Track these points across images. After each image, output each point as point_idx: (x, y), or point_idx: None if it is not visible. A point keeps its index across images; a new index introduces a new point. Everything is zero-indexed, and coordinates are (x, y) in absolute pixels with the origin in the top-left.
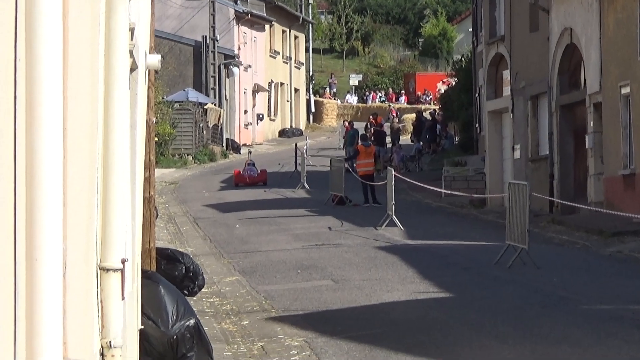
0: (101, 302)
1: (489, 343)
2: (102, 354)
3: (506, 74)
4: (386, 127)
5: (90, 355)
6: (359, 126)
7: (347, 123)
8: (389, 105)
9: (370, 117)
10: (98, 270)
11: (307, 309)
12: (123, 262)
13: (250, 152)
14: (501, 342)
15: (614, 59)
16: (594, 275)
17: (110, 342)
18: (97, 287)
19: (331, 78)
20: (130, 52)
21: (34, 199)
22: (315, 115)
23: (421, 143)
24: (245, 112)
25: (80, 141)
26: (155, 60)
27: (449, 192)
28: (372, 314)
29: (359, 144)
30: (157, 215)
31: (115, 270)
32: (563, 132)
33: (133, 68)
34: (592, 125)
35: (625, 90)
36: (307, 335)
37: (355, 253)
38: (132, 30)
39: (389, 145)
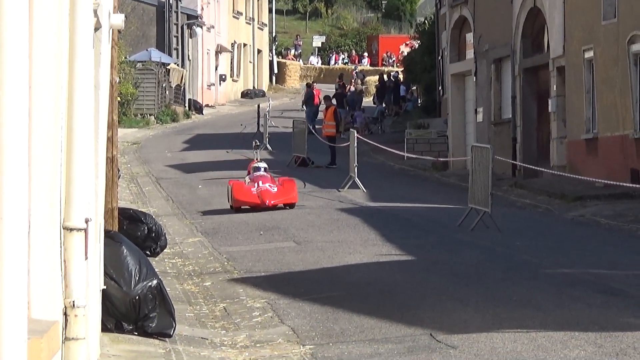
0: (64, 261)
1: (452, 306)
2: (65, 314)
3: (469, 37)
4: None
5: (53, 315)
6: (322, 88)
7: (315, 87)
8: (354, 68)
9: (338, 79)
10: (62, 229)
11: (270, 271)
12: (86, 221)
13: (259, 146)
14: (464, 305)
15: (577, 23)
16: (556, 239)
17: (73, 301)
18: (61, 247)
19: (297, 39)
20: (94, 12)
21: None
22: (278, 76)
23: (384, 105)
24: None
25: (45, 100)
26: (118, 19)
27: (411, 154)
28: (335, 276)
29: (327, 106)
30: (120, 175)
31: (78, 229)
32: (526, 96)
33: (97, 27)
34: (555, 89)
35: (589, 54)
36: (269, 296)
37: (317, 215)
38: None
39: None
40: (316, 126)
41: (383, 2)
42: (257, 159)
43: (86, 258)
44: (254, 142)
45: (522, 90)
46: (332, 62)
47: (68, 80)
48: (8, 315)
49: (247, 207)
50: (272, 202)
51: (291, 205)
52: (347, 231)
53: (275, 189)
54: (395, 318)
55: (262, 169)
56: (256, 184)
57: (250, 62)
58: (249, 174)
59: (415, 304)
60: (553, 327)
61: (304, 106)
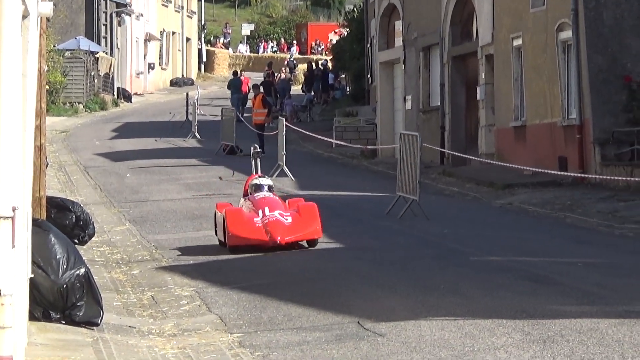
0: None
1: (380, 294)
2: None
3: (398, 25)
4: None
5: None
6: (251, 76)
7: (244, 75)
8: (290, 56)
9: (267, 67)
10: None
11: (198, 259)
12: (14, 209)
13: (259, 153)
14: (392, 292)
15: (506, 11)
16: (484, 227)
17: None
18: None
19: (226, 28)
20: (22, 3)
21: None
22: (207, 64)
23: (312, 93)
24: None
25: None
26: (47, 7)
27: (340, 142)
28: (263, 264)
29: (256, 94)
30: (48, 163)
31: (5, 218)
32: (454, 84)
33: (25, 15)
34: (483, 76)
35: (517, 42)
36: (197, 285)
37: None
38: None
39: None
40: (245, 114)
41: None
42: (257, 173)
43: (13, 246)
44: (252, 149)
45: (450, 78)
46: (261, 50)
47: None
48: None
49: (251, 244)
50: (285, 239)
51: (312, 243)
52: None
53: (290, 220)
54: (323, 306)
55: (266, 188)
56: (261, 212)
57: (179, 50)
58: (245, 195)
59: (343, 291)
60: (481, 314)
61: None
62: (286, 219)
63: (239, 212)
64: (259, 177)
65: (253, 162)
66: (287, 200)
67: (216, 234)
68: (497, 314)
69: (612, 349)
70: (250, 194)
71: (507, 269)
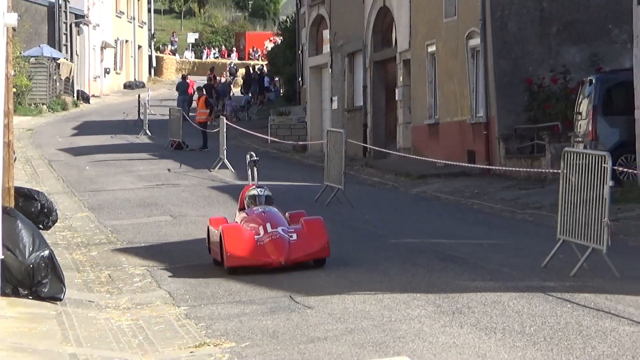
0: None
1: (309, 272)
2: None
3: (326, 34)
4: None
5: None
6: (196, 79)
7: (189, 78)
8: (230, 62)
9: (209, 72)
10: None
11: (149, 242)
12: None
13: (256, 161)
14: (320, 271)
15: (421, 21)
16: (402, 212)
17: None
18: None
19: (173, 36)
20: None
21: None
22: (156, 69)
23: (250, 95)
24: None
25: None
26: (12, 19)
27: (274, 138)
28: (206, 246)
29: (200, 96)
30: (15, 158)
31: None
32: (376, 86)
33: None
34: (401, 79)
35: (432, 49)
36: (149, 264)
37: (191, 192)
38: None
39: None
40: (190, 114)
41: (250, 2)
42: (254, 183)
43: None
44: (248, 156)
45: (372, 80)
46: (205, 56)
47: None
48: None
49: (255, 265)
50: (291, 259)
51: (320, 262)
52: (217, 206)
53: (295, 237)
54: (260, 283)
55: (264, 199)
56: (262, 229)
57: (131, 56)
58: (242, 208)
59: (277, 270)
60: (398, 289)
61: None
62: (291, 236)
63: (238, 230)
64: (256, 187)
65: (249, 171)
66: (287, 214)
67: (209, 252)
68: (413, 289)
69: (513, 318)
70: (248, 206)
71: (422, 249)
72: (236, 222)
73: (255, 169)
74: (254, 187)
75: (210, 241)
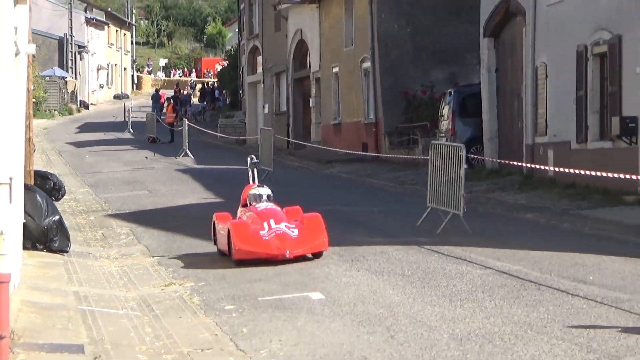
0: None
1: None
2: None
3: (259, 59)
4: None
5: None
6: (166, 92)
7: (161, 91)
8: (191, 80)
9: (175, 86)
10: None
11: (132, 209)
12: (10, 178)
13: (256, 164)
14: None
15: (327, 49)
16: (316, 187)
17: (1, 231)
18: None
19: (148, 61)
20: (15, 43)
21: None
22: (137, 85)
23: (205, 103)
24: (101, 87)
25: None
26: (32, 48)
27: (223, 135)
28: (174, 212)
29: (169, 104)
30: (34, 149)
31: (4, 184)
32: (295, 96)
33: (17, 53)
34: (314, 91)
35: (335, 70)
36: (131, 225)
37: (162, 173)
38: (15, 28)
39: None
40: (162, 117)
41: (204, 36)
42: (255, 182)
43: (10, 202)
44: (249, 159)
45: (293, 92)
46: (172, 75)
47: None
48: None
49: (257, 257)
50: (294, 252)
51: (318, 255)
52: (181, 184)
53: (297, 232)
54: (210, 239)
55: (265, 197)
56: (266, 225)
57: (119, 75)
58: (244, 205)
59: None
60: (332, 241)
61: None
62: (292, 232)
63: (245, 226)
64: (258, 186)
65: (250, 173)
66: (284, 209)
67: (215, 243)
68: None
69: (395, 264)
70: (250, 204)
71: (332, 214)
72: (240, 217)
73: (255, 170)
74: (255, 186)
75: (216, 234)
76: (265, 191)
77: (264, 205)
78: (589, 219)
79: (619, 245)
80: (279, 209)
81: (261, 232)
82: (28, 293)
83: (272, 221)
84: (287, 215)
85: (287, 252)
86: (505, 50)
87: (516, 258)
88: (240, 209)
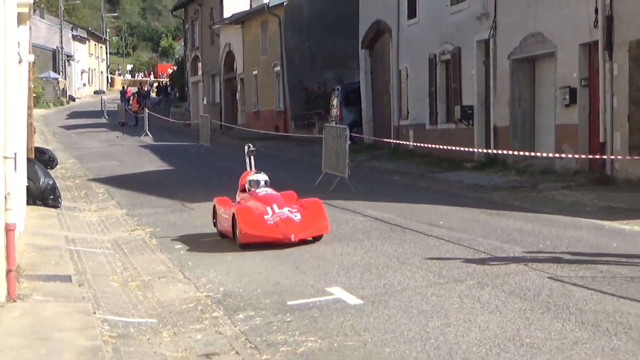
0: (4, 174)
1: (192, 191)
2: (5, 197)
3: (200, 65)
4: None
5: (2, 198)
6: (132, 89)
7: (128, 88)
8: (149, 80)
9: (139, 85)
10: (3, 158)
11: (107, 175)
12: (15, 153)
13: (253, 151)
14: (197, 191)
15: (249, 57)
16: (240, 160)
17: (9, 192)
18: (3, 170)
19: (118, 67)
20: (19, 53)
21: None
22: (111, 83)
23: (160, 96)
24: (84, 86)
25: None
26: (31, 57)
27: (174, 120)
28: (138, 177)
29: (133, 97)
30: (35, 131)
31: (9, 157)
32: (226, 91)
33: (20, 61)
34: (239, 88)
35: (255, 72)
36: (106, 187)
37: (129, 149)
38: (19, 43)
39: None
40: (128, 107)
41: (159, 48)
42: (252, 169)
43: (15, 170)
44: (246, 147)
45: (224, 89)
46: (136, 76)
47: (4, 86)
48: None
49: (261, 240)
50: (298, 236)
51: (318, 238)
52: (143, 156)
53: (299, 216)
54: (166, 196)
55: (263, 183)
56: (270, 210)
57: (97, 77)
58: (243, 190)
59: (175, 190)
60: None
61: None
62: (295, 216)
63: (250, 210)
64: (255, 173)
65: (247, 160)
66: (280, 193)
67: (215, 226)
68: (403, 215)
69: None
70: (249, 189)
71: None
72: (240, 202)
73: (252, 157)
74: (254, 172)
75: (217, 218)
76: (263, 177)
77: (264, 190)
78: (439, 180)
79: (461, 198)
80: (277, 194)
81: (265, 217)
82: (30, 237)
83: (275, 206)
84: (285, 200)
85: (292, 235)
86: (377, 58)
87: (387, 209)
88: (239, 194)
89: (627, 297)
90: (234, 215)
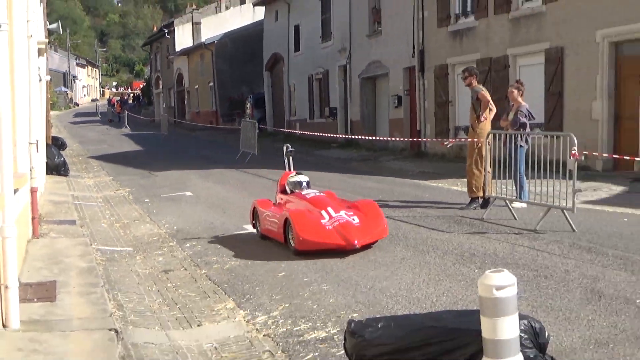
0: (30, 154)
1: (156, 162)
2: (30, 170)
3: (160, 82)
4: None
5: (26, 170)
6: (116, 98)
7: (113, 97)
8: (128, 92)
9: (121, 95)
10: (28, 144)
11: (100, 154)
12: (37, 140)
13: (291, 152)
14: (159, 162)
15: (193, 77)
16: (189, 144)
17: (33, 166)
18: (29, 151)
19: (107, 84)
20: (39, 75)
21: None
22: (102, 94)
23: (135, 103)
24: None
25: (23, 105)
26: (48, 78)
27: (147, 118)
28: (121, 155)
29: (117, 103)
30: (51, 126)
31: (33, 143)
32: (177, 99)
33: (40, 80)
34: (187, 96)
35: (196, 87)
36: (99, 162)
37: (115, 137)
38: (39, 68)
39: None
40: (113, 109)
41: (134, 71)
42: (291, 169)
43: (37, 152)
44: (285, 148)
45: (176, 97)
46: (119, 90)
47: (29, 97)
48: (7, 170)
49: (312, 248)
50: (361, 242)
51: (367, 245)
52: (123, 141)
53: (357, 220)
54: (139, 167)
55: (305, 184)
56: (325, 213)
57: (93, 90)
58: (283, 191)
59: (145, 163)
60: (185, 169)
61: (108, 103)
62: (353, 219)
63: (305, 214)
64: (297, 174)
65: (286, 160)
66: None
67: (254, 227)
68: (191, 168)
69: (229, 177)
70: (291, 191)
71: (195, 156)
72: (282, 203)
73: (290, 158)
74: (294, 174)
75: (259, 220)
76: (304, 178)
77: (311, 192)
78: (316, 155)
79: (330, 166)
80: (325, 195)
81: (322, 221)
82: (48, 196)
83: (330, 209)
84: (336, 202)
85: (356, 241)
86: (275, 77)
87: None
88: (279, 195)
89: (435, 229)
90: (286, 219)
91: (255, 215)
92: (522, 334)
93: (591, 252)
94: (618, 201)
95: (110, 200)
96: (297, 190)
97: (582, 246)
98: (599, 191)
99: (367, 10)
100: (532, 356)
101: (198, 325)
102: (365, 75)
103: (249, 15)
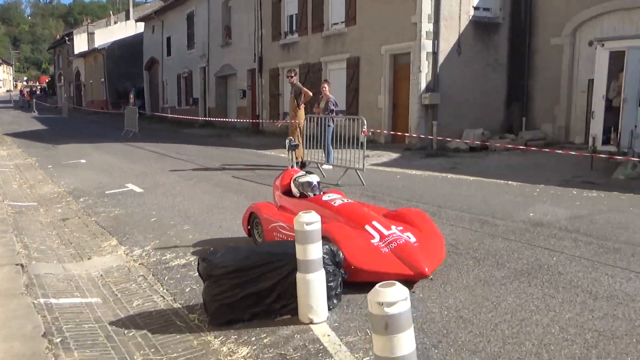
0: None
1: (58, 138)
2: None
3: (62, 77)
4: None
5: None
6: (26, 89)
7: (24, 89)
8: (35, 85)
9: (30, 88)
10: None
11: (13, 132)
12: None
13: (294, 146)
14: (60, 138)
15: (88, 73)
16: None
17: None
18: None
19: (19, 78)
20: None
21: None
22: (15, 86)
23: (42, 93)
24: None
25: None
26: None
27: (49, 105)
28: (29, 132)
29: (27, 93)
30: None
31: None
32: (76, 91)
33: None
34: (83, 89)
35: (91, 81)
36: (12, 138)
37: (24, 119)
38: None
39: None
40: (24, 98)
41: (42, 68)
42: (295, 166)
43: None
44: (287, 140)
45: (74, 89)
46: (29, 83)
47: None
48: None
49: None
50: (431, 269)
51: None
52: (31, 122)
53: (414, 239)
54: (44, 142)
55: (316, 183)
56: (373, 231)
57: (8, 83)
58: (285, 192)
59: (49, 138)
60: (89, 142)
61: (19, 93)
62: (409, 238)
63: (351, 235)
64: (307, 173)
65: (289, 155)
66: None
67: (249, 235)
68: (85, 142)
69: (113, 149)
70: (302, 194)
71: (92, 136)
72: (283, 206)
73: (294, 152)
74: (302, 172)
75: (266, 229)
76: (315, 178)
77: (335, 197)
78: (183, 133)
79: (193, 141)
80: (352, 201)
81: (373, 242)
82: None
83: (376, 224)
84: (372, 210)
85: (426, 269)
86: (153, 75)
87: (158, 147)
88: (281, 196)
89: (261, 183)
90: (333, 239)
91: (252, 222)
92: (325, 255)
93: (375, 199)
94: (394, 164)
95: (20, 167)
96: (309, 194)
97: (368, 195)
98: (382, 157)
99: (221, 27)
100: (331, 270)
101: (88, 259)
102: (220, 75)
103: (132, 28)
